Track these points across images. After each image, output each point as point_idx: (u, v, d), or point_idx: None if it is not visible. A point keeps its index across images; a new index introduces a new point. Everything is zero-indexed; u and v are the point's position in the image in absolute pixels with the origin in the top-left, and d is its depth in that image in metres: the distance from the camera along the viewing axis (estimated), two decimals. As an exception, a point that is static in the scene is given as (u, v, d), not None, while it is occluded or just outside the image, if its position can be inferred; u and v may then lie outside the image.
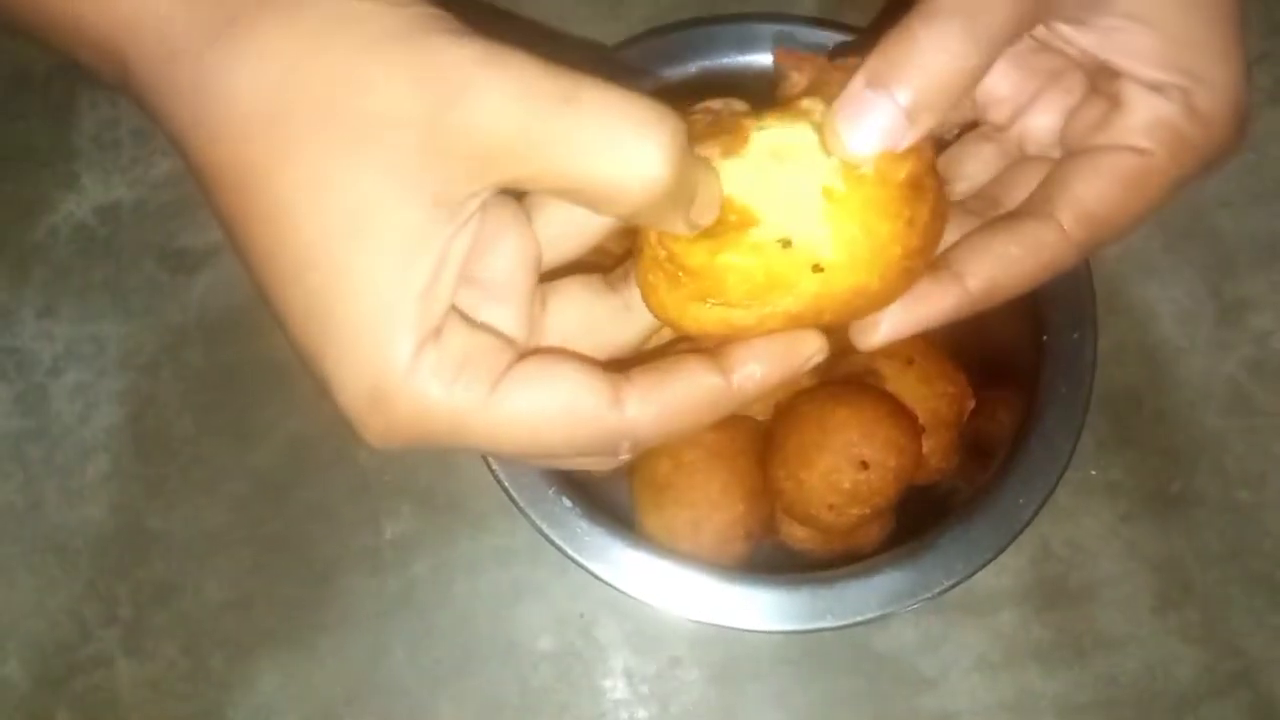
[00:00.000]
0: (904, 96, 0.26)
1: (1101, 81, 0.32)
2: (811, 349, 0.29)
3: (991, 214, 0.33)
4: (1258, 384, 0.55)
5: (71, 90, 0.58)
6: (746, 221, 0.28)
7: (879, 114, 0.27)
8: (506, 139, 0.24)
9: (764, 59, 0.49)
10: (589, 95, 0.24)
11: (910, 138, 0.27)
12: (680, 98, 0.46)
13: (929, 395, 0.47)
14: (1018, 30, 0.28)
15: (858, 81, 0.27)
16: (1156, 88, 0.30)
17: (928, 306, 0.30)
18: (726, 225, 0.28)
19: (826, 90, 0.29)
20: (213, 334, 0.54)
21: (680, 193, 0.25)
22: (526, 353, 0.27)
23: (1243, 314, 0.56)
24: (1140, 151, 0.30)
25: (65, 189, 0.57)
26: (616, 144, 0.24)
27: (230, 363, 0.54)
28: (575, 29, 0.60)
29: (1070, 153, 0.32)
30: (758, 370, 0.28)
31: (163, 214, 0.56)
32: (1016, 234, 0.30)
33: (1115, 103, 0.31)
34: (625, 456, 0.28)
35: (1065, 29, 0.31)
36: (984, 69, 0.27)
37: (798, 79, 0.30)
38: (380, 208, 0.24)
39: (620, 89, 0.24)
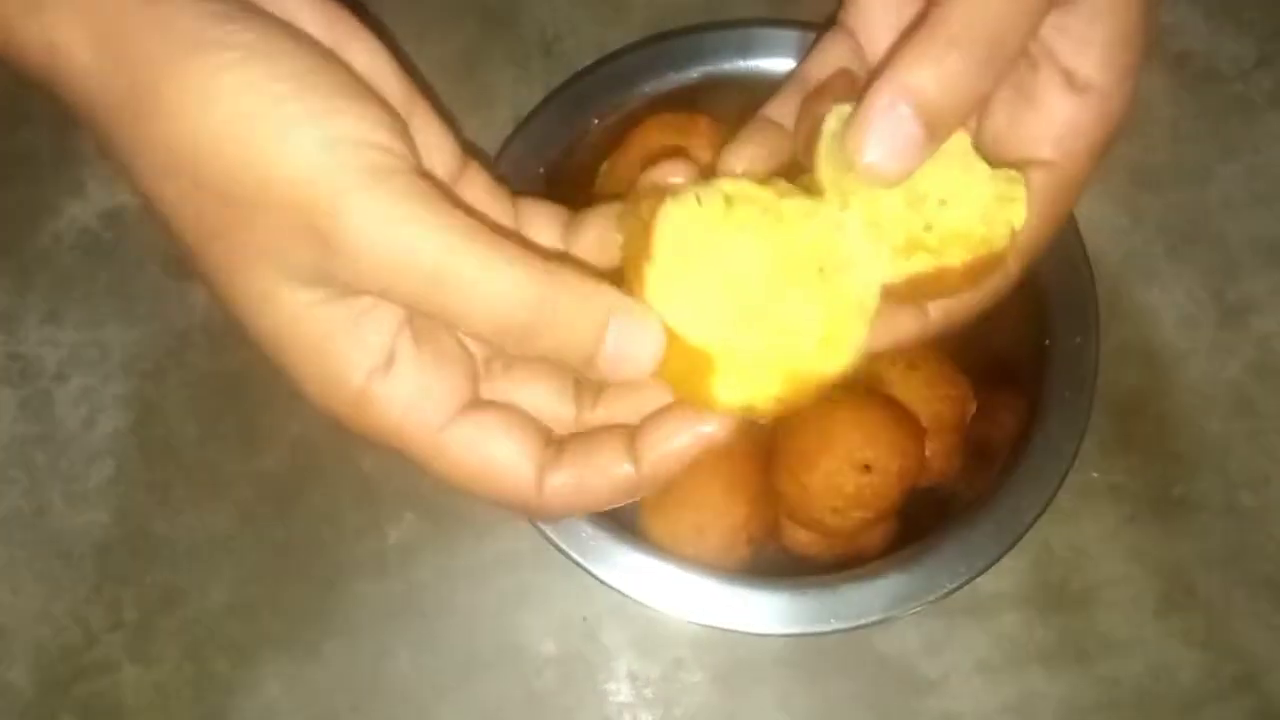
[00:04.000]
0: (926, 106, 0.27)
1: (1021, 70, 0.32)
2: (710, 428, 0.30)
3: None
4: (1260, 387, 0.55)
5: (76, 97, 0.58)
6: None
7: (900, 126, 0.27)
8: (383, 285, 0.26)
9: (766, 64, 0.50)
10: (468, 246, 0.26)
11: (927, 152, 0.28)
12: (679, 106, 0.47)
13: (931, 399, 0.48)
14: (1033, 29, 0.28)
15: (882, 97, 0.27)
16: (1083, 88, 0.31)
17: (894, 330, 0.33)
18: None
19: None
20: (217, 339, 0.55)
21: (558, 345, 0.27)
22: (480, 401, 0.30)
23: (1245, 317, 0.56)
24: (1049, 166, 0.32)
25: (70, 195, 0.57)
26: (483, 299, 0.26)
27: (235, 368, 0.54)
28: (576, 34, 0.60)
29: None
30: (664, 461, 0.30)
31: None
32: None
33: (1029, 100, 0.32)
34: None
35: None
36: (1003, 77, 0.28)
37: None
38: (283, 295, 0.27)
39: (501, 245, 0.26)
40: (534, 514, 0.31)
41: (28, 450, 0.53)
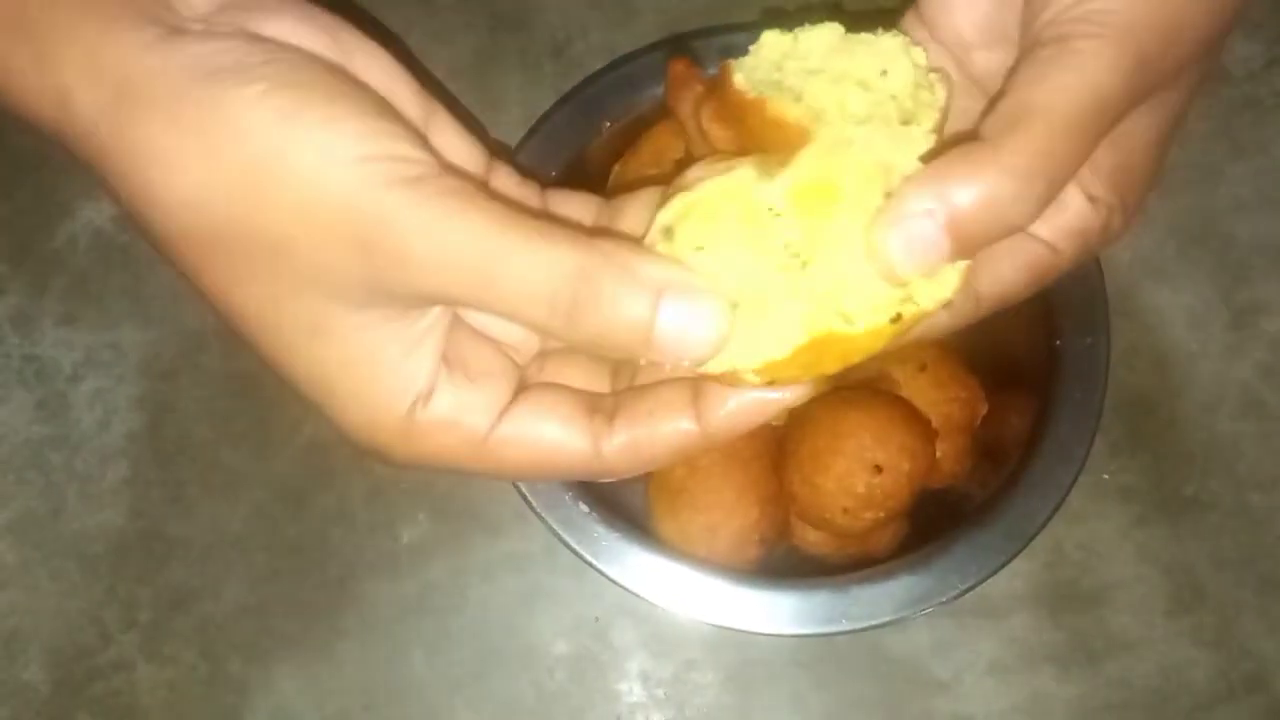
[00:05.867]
0: (961, 224, 0.26)
1: None
2: (783, 399, 0.29)
3: None
4: (1270, 388, 0.55)
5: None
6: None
7: (930, 239, 0.26)
8: (434, 292, 0.26)
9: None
10: (507, 245, 0.25)
11: (945, 264, 0.27)
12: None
13: (942, 400, 0.48)
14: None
15: (917, 199, 0.26)
16: (1092, 198, 0.31)
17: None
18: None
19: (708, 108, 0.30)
20: (231, 341, 0.54)
21: (602, 336, 0.26)
22: (522, 388, 0.30)
23: (1255, 318, 0.56)
24: (1053, 249, 0.32)
25: (84, 197, 0.57)
26: (522, 296, 0.26)
27: (248, 369, 0.54)
28: (586, 40, 0.61)
29: None
30: (731, 418, 0.29)
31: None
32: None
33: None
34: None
35: None
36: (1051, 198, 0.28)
37: (684, 96, 0.32)
38: (334, 323, 0.27)
39: (540, 231, 0.26)
40: (599, 477, 0.30)
41: (43, 451, 0.53)
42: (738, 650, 0.50)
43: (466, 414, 0.28)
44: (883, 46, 0.30)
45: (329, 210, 0.25)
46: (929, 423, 0.46)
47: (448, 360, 0.29)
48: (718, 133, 0.33)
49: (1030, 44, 0.29)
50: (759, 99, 0.30)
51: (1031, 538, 0.44)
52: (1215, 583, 0.52)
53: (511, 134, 0.51)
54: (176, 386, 0.54)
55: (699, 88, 0.35)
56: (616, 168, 0.51)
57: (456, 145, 0.31)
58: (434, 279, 0.26)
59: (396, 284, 0.26)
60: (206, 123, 0.25)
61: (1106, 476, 0.53)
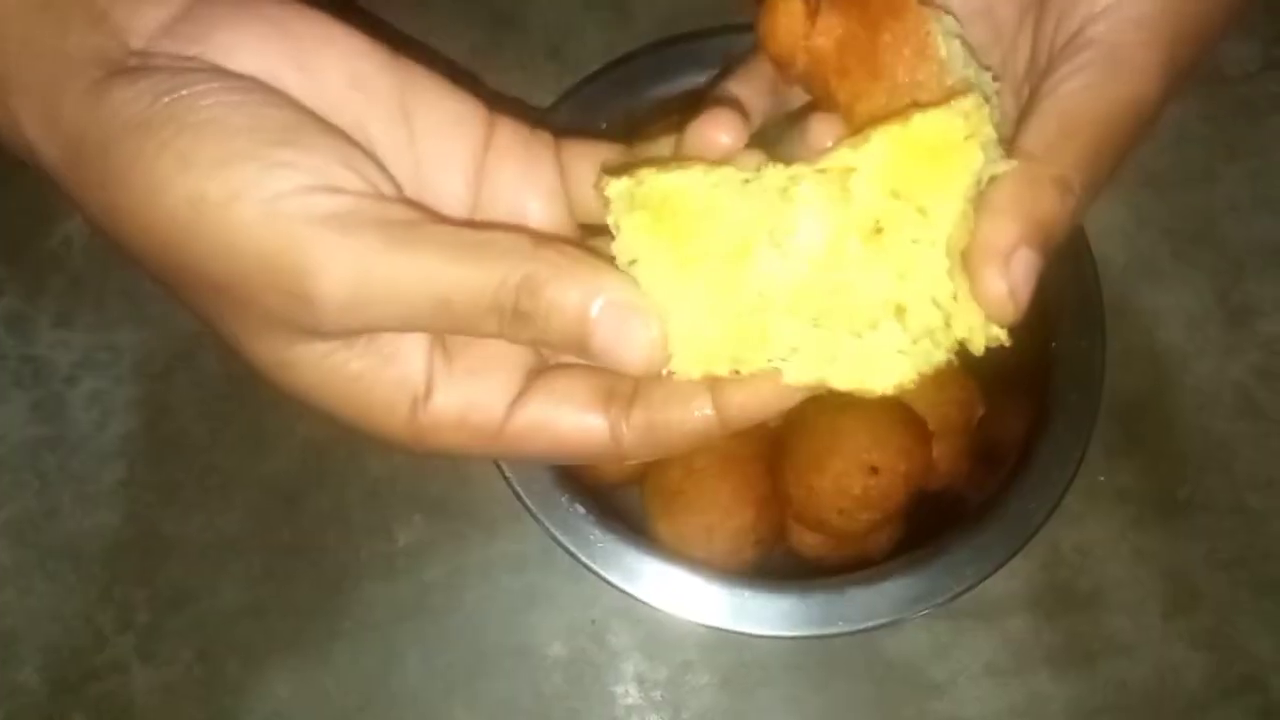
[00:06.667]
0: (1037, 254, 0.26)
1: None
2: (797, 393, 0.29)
3: None
4: (1265, 389, 0.55)
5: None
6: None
7: (1028, 271, 0.26)
8: (378, 326, 0.26)
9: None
10: (432, 279, 0.25)
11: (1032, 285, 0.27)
12: (687, 110, 0.47)
13: (939, 402, 0.48)
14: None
15: (1009, 235, 0.26)
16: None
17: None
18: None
19: None
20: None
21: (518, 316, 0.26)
22: (536, 372, 0.29)
23: (1250, 319, 0.56)
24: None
25: (80, 198, 0.57)
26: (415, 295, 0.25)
27: (244, 371, 0.53)
28: (582, 38, 0.61)
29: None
30: (748, 406, 0.29)
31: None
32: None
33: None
34: None
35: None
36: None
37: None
38: (297, 354, 0.27)
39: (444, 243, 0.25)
40: (617, 461, 0.31)
41: (39, 452, 0.53)
42: (734, 652, 0.50)
43: (473, 409, 0.28)
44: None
45: (253, 259, 0.25)
46: (925, 424, 0.46)
47: (447, 355, 0.28)
48: (826, 34, 0.31)
49: (1071, 41, 0.29)
50: None
51: (1028, 539, 0.44)
52: (1211, 584, 0.52)
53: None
54: (173, 388, 0.54)
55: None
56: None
57: (447, 105, 0.30)
58: (376, 316, 0.25)
59: (336, 326, 0.26)
60: (129, 178, 0.25)
61: (1103, 478, 0.53)
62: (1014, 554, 0.44)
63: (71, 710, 0.50)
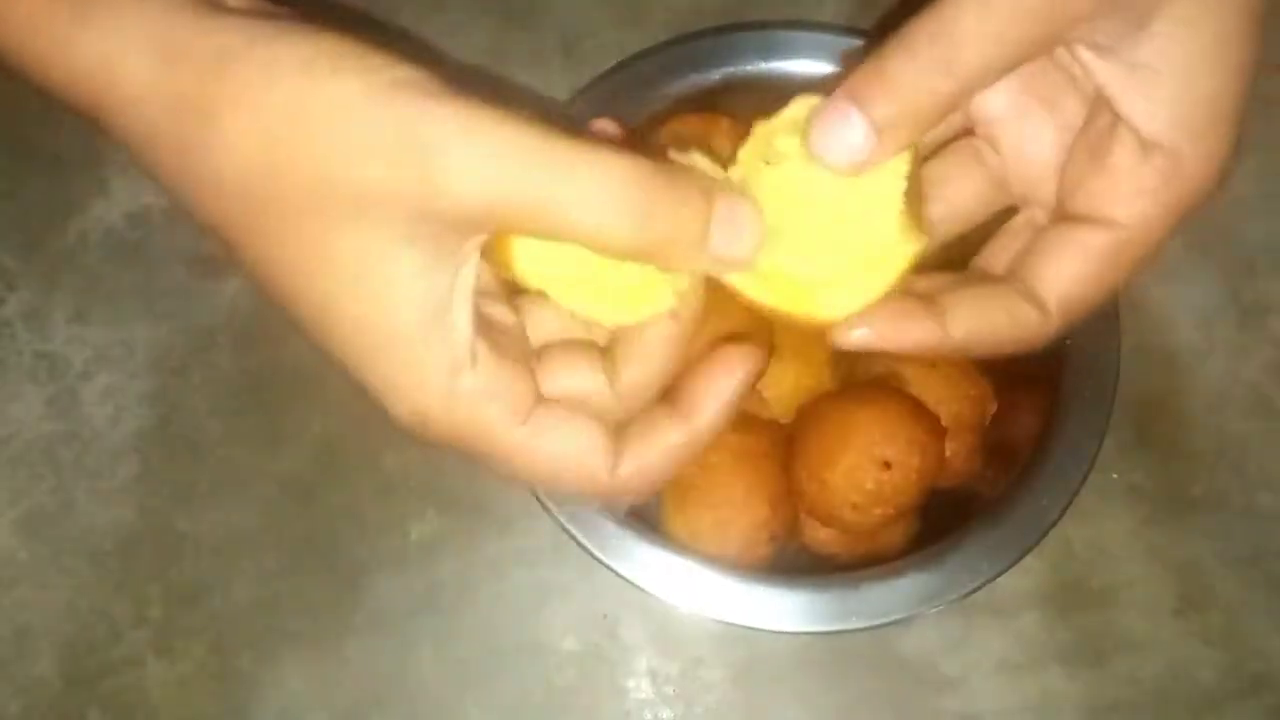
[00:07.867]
0: (874, 114, 0.28)
1: (1098, 117, 0.31)
2: (748, 364, 0.31)
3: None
4: (1279, 387, 0.55)
5: (101, 98, 0.58)
6: None
7: (849, 129, 0.29)
8: (487, 206, 0.26)
9: (787, 66, 0.50)
10: (563, 156, 0.26)
11: (878, 155, 0.29)
12: (701, 108, 0.47)
13: (952, 398, 0.48)
14: (1014, 59, 0.28)
15: (840, 95, 0.29)
16: (1149, 147, 0.30)
17: (906, 334, 0.31)
18: None
19: None
20: (241, 338, 0.55)
21: (671, 236, 0.27)
22: (545, 398, 0.30)
23: (1263, 317, 0.56)
24: (1114, 226, 0.31)
25: (95, 194, 0.57)
26: (590, 203, 0.26)
27: (258, 367, 0.54)
28: (596, 36, 0.61)
29: (1055, 220, 0.33)
30: (711, 407, 0.30)
31: (192, 220, 0.57)
32: (1007, 304, 0.32)
33: (1105, 154, 0.31)
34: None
35: (1087, 55, 0.30)
36: (961, 96, 0.29)
37: None
38: (380, 265, 0.26)
39: (592, 145, 0.26)
40: (607, 499, 0.31)
41: (54, 447, 0.54)
42: (747, 647, 0.51)
43: (506, 395, 0.28)
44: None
45: (378, 128, 0.25)
46: (938, 419, 0.46)
47: (480, 332, 0.28)
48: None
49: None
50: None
51: (1041, 537, 0.44)
52: (1224, 582, 0.52)
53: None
54: (187, 383, 0.55)
55: None
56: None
57: None
58: (481, 189, 0.25)
59: (442, 196, 0.25)
60: (251, 78, 0.25)
61: (1116, 476, 0.53)
62: (1027, 551, 0.44)
63: (87, 704, 0.50)
